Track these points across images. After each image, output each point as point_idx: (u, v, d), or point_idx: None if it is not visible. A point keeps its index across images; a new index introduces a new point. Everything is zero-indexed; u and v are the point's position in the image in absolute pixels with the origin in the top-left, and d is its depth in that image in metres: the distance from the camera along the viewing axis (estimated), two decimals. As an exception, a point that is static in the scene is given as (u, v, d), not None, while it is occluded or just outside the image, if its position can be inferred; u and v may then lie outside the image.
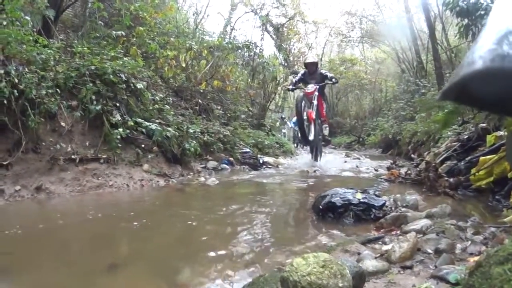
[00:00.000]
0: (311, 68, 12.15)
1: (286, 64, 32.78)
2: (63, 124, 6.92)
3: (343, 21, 37.75)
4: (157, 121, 8.86)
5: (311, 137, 10.56)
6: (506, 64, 0.79)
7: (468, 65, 0.85)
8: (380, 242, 3.77)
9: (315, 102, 11.04)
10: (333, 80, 11.80)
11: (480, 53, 0.85)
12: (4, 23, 6.70)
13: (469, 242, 3.51)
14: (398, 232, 4.04)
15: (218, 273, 3.16)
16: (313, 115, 10.76)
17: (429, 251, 3.28)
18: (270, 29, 30.74)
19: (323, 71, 12.32)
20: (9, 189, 5.70)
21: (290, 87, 12.50)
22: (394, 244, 3.30)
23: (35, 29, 7.91)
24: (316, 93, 11.12)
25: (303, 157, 15.94)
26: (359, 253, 3.32)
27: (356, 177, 9.36)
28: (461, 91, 0.89)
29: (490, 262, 1.99)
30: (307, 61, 12.65)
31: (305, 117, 10.28)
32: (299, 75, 12.50)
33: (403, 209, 4.80)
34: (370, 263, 2.98)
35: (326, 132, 12.41)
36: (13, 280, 3.04)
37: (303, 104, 10.23)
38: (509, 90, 0.83)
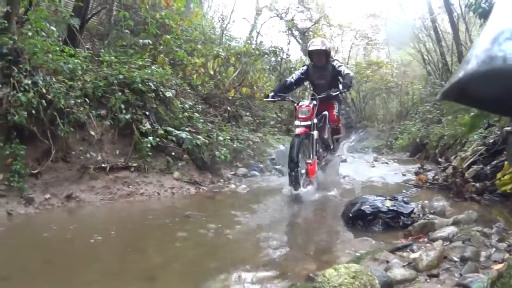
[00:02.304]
0: (319, 60, 7.94)
1: (352, 85, 32.60)
2: (92, 133, 6.91)
3: (368, 23, 37.43)
4: (186, 129, 8.73)
5: (300, 190, 6.80)
6: (495, 65, 0.86)
7: (465, 64, 0.93)
8: (408, 250, 3.79)
9: (315, 135, 7.39)
10: (348, 83, 7.51)
11: (476, 52, 0.93)
12: (30, 33, 6.65)
13: (494, 249, 3.55)
14: (426, 239, 4.06)
15: (251, 283, 3.20)
16: (316, 169, 7.43)
17: (455, 259, 3.30)
18: (296, 33, 30.53)
19: (337, 64, 8.00)
20: (38, 197, 5.69)
21: (270, 95, 7.98)
22: (422, 253, 3.32)
23: (60, 38, 7.91)
24: (314, 120, 7.38)
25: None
26: (387, 262, 3.37)
27: (384, 183, 9.23)
28: (460, 91, 0.97)
29: (511, 273, 2.11)
30: (312, 47, 7.98)
31: (302, 171, 6.96)
32: (298, 72, 8.42)
33: (430, 216, 4.82)
34: (398, 272, 3.04)
35: (341, 146, 9.28)
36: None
37: (299, 150, 6.81)
38: (503, 89, 0.90)
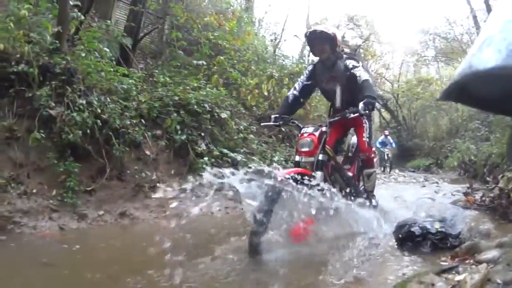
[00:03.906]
0: (321, 51, 5.63)
1: (376, 99, 32.34)
2: (148, 152, 6.92)
3: (417, 40, 37.10)
4: (241, 150, 8.62)
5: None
6: (474, 70, 0.92)
7: (462, 65, 0.98)
8: (453, 272, 3.71)
9: (318, 177, 4.97)
10: (371, 98, 5.01)
11: (468, 56, 0.99)
12: (83, 54, 6.72)
13: (536, 273, 3.48)
14: (472, 261, 3.99)
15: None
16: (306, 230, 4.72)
17: (498, 281, 3.14)
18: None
19: (350, 63, 5.52)
20: (92, 213, 5.74)
21: (272, 117, 5.76)
22: (466, 276, 3.28)
23: (114, 58, 7.95)
24: (319, 156, 5.12)
25: (388, 184, 15.41)
26: (432, 285, 3.31)
27: (434, 204, 8.89)
28: (460, 92, 1.00)
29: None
30: (309, 31, 5.81)
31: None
32: (302, 78, 5.99)
33: (476, 239, 4.77)
34: None
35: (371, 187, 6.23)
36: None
37: (272, 205, 4.39)
38: (500, 89, 0.96)
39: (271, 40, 20.65)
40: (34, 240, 4.89)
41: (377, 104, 32.80)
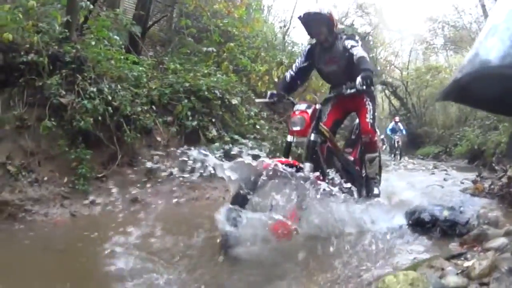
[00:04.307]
0: (317, 32, 5.27)
1: (374, 74, 32.15)
2: (159, 139, 6.97)
3: (426, 28, 36.90)
4: (252, 136, 8.60)
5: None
6: (465, 72, 0.99)
7: (461, 66, 1.02)
8: (462, 258, 3.78)
9: (306, 168, 4.46)
10: (368, 72, 4.68)
11: (476, 43, 1.04)
12: (93, 42, 6.76)
13: (541, 261, 3.62)
14: (480, 248, 4.02)
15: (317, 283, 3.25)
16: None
17: (503, 270, 3.19)
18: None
19: (348, 43, 5.17)
20: (103, 200, 5.74)
21: (269, 94, 5.41)
22: (475, 262, 3.31)
23: (123, 46, 7.97)
24: (311, 136, 4.64)
25: (397, 172, 15.43)
26: (442, 269, 3.39)
27: (443, 191, 9.09)
28: (459, 92, 1.04)
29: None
30: (306, 12, 5.25)
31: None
32: (299, 59, 5.64)
33: (484, 226, 4.69)
34: (452, 279, 3.08)
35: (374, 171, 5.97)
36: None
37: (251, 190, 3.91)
38: (488, 93, 0.99)
39: (280, 27, 20.59)
40: (46, 227, 4.92)
41: (380, 86, 31.91)
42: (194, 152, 3.95)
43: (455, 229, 4.80)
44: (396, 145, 23.66)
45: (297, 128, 4.64)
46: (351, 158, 5.83)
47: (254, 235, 3.84)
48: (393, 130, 24.59)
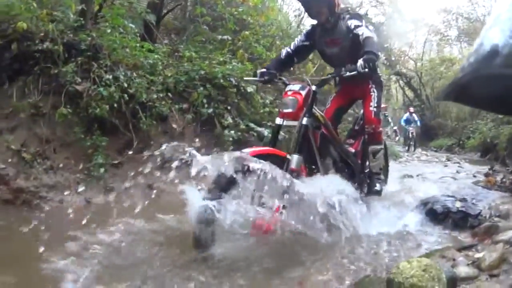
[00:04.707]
0: (318, 13, 4.93)
1: (388, 64, 31.96)
2: (174, 126, 6.97)
3: (441, 19, 36.67)
4: (268, 123, 8.54)
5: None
6: (466, 73, 0.99)
7: (462, 66, 1.02)
8: (473, 249, 3.95)
9: (293, 160, 4.11)
10: (372, 56, 4.23)
11: (482, 31, 1.03)
12: (108, 30, 6.80)
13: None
14: (490, 241, 4.16)
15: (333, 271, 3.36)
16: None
17: None
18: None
19: (352, 23, 4.80)
20: (118, 186, 5.73)
21: (258, 73, 5.06)
22: (485, 253, 3.49)
23: (138, 34, 8.02)
24: (303, 120, 4.28)
25: (411, 163, 15.97)
26: (454, 259, 3.56)
27: (455, 183, 9.18)
28: (460, 92, 1.01)
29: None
30: None
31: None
32: (300, 37, 5.36)
33: (495, 219, 4.91)
34: (463, 269, 3.24)
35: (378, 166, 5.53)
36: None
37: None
38: (488, 93, 1.01)
39: (295, 16, 20.49)
40: (60, 213, 4.89)
41: (394, 77, 31.48)
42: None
43: (466, 221, 4.89)
44: (410, 136, 23.49)
45: (288, 110, 4.27)
46: (352, 150, 5.50)
47: (232, 232, 3.64)
48: (408, 121, 24.46)
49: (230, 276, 3.23)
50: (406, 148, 23.14)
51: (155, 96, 6.68)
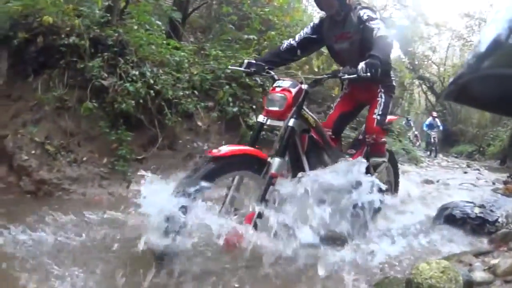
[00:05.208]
0: (328, 5, 4.35)
1: (411, 68, 31.72)
2: (200, 123, 6.99)
3: (463, 24, 36.36)
4: (292, 124, 8.51)
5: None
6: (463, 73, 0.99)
7: (463, 67, 1.04)
8: (489, 255, 3.93)
9: (274, 163, 3.57)
10: (377, 61, 3.57)
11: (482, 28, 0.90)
12: (135, 27, 6.86)
13: None
14: (506, 248, 4.16)
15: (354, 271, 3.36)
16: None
17: None
18: (394, 31, 30.02)
19: (365, 14, 4.22)
20: (142, 181, 5.62)
21: (245, 63, 4.41)
22: (500, 260, 3.50)
23: (164, 31, 8.04)
24: (290, 121, 3.68)
25: (432, 168, 15.84)
26: (470, 264, 3.58)
27: (475, 190, 9.18)
28: (460, 92, 1.05)
29: None
30: None
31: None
32: (306, 29, 4.77)
33: None
34: (479, 274, 3.24)
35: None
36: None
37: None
38: (488, 93, 1.00)
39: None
40: (82, 205, 4.85)
41: (417, 81, 31.02)
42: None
43: (484, 227, 4.90)
44: (432, 141, 23.16)
45: (275, 108, 3.74)
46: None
47: (199, 244, 3.21)
48: (431, 126, 24.12)
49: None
50: (428, 153, 22.87)
51: (181, 93, 6.66)
